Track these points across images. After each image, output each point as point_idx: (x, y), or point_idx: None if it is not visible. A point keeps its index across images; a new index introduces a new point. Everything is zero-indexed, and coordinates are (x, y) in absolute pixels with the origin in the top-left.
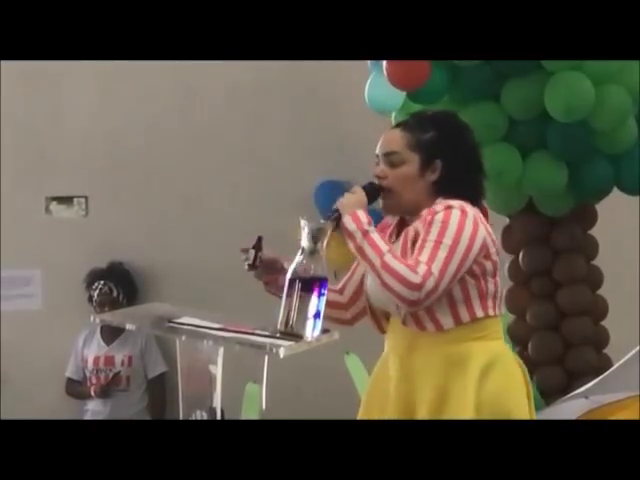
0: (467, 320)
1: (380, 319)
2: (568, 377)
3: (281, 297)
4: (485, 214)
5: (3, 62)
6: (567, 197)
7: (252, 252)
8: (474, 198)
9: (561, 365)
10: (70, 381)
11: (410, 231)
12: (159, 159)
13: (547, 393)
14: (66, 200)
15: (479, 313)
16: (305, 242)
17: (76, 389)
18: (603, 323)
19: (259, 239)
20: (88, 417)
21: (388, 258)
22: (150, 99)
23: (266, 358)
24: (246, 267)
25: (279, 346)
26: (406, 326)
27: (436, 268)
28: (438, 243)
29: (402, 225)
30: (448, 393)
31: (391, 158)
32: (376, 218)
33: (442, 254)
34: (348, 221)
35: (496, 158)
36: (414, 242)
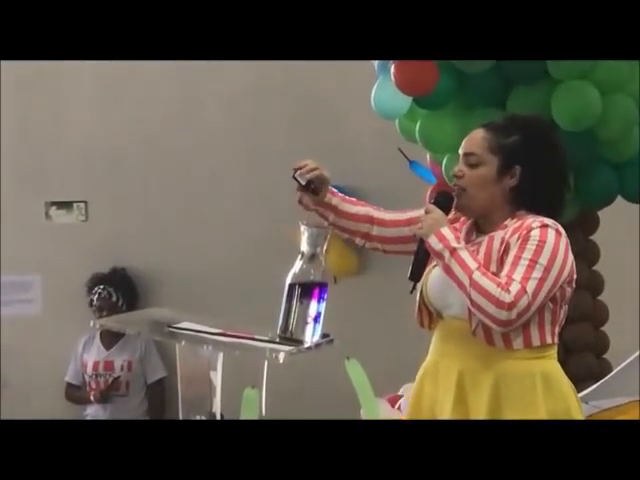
0: (537, 344)
1: (427, 315)
2: None
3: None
4: None
5: (3, 68)
6: (571, 205)
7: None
8: (554, 210)
9: None
10: (70, 386)
11: (496, 241)
12: (159, 164)
13: None
14: (66, 205)
15: (549, 339)
16: (305, 247)
17: (75, 394)
18: (603, 329)
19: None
20: None
21: (477, 276)
22: (150, 104)
23: (266, 363)
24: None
25: (278, 351)
26: (475, 336)
27: (530, 288)
28: (534, 262)
29: (476, 228)
30: (508, 406)
31: (470, 159)
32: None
33: (537, 274)
34: (434, 241)
35: None
36: (502, 254)
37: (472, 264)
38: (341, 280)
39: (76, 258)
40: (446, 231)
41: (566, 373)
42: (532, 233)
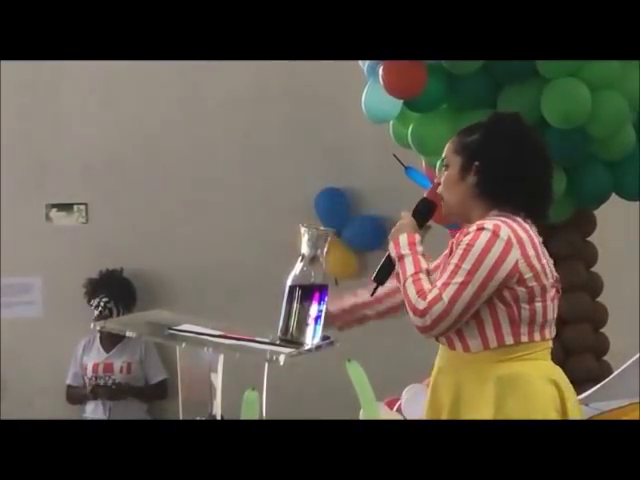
0: (494, 345)
1: None
2: None
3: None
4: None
5: (3, 71)
6: (565, 204)
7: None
8: (533, 209)
9: None
10: (70, 388)
11: (450, 246)
12: (159, 166)
13: None
14: (66, 207)
15: (508, 340)
16: (305, 249)
17: (76, 393)
18: (603, 330)
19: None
20: None
21: (408, 283)
22: (150, 106)
23: (266, 365)
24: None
25: (279, 353)
26: (440, 343)
27: (447, 294)
28: (457, 267)
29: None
30: (463, 411)
31: (442, 163)
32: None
33: (458, 279)
34: (390, 247)
35: None
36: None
37: (410, 270)
38: (342, 282)
39: (76, 260)
40: (403, 238)
41: (566, 375)
42: (465, 237)
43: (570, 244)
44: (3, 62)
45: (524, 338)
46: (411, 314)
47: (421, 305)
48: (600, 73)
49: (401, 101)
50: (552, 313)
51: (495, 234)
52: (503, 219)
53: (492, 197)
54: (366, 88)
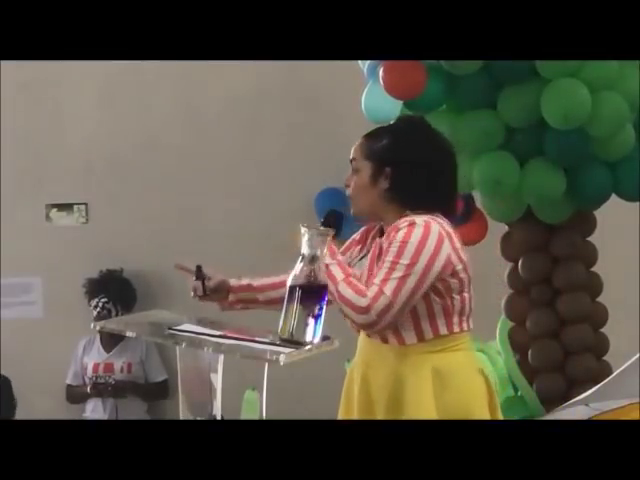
0: (430, 337)
1: None
2: (568, 384)
3: (239, 309)
4: (485, 223)
5: (3, 71)
6: (565, 204)
7: (199, 284)
8: (443, 207)
9: (561, 372)
10: (70, 388)
11: (377, 245)
12: (159, 166)
13: (547, 400)
14: (66, 207)
15: (443, 330)
16: (305, 249)
17: (76, 392)
18: (603, 330)
19: (199, 269)
20: None
21: (341, 287)
22: (150, 106)
23: (266, 365)
24: (197, 298)
25: (279, 353)
26: (371, 338)
27: (389, 288)
28: (394, 264)
29: (381, 232)
30: (404, 404)
31: (352, 165)
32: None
33: (397, 274)
34: None
35: (494, 166)
36: (377, 256)
37: (339, 276)
38: None
39: (77, 260)
40: None
41: (565, 375)
42: (397, 235)
43: (570, 244)
44: (3, 62)
45: (456, 328)
46: (352, 313)
47: (363, 302)
48: (600, 74)
49: (401, 101)
50: (473, 305)
51: (427, 229)
52: (429, 216)
53: (404, 200)
54: (366, 89)
